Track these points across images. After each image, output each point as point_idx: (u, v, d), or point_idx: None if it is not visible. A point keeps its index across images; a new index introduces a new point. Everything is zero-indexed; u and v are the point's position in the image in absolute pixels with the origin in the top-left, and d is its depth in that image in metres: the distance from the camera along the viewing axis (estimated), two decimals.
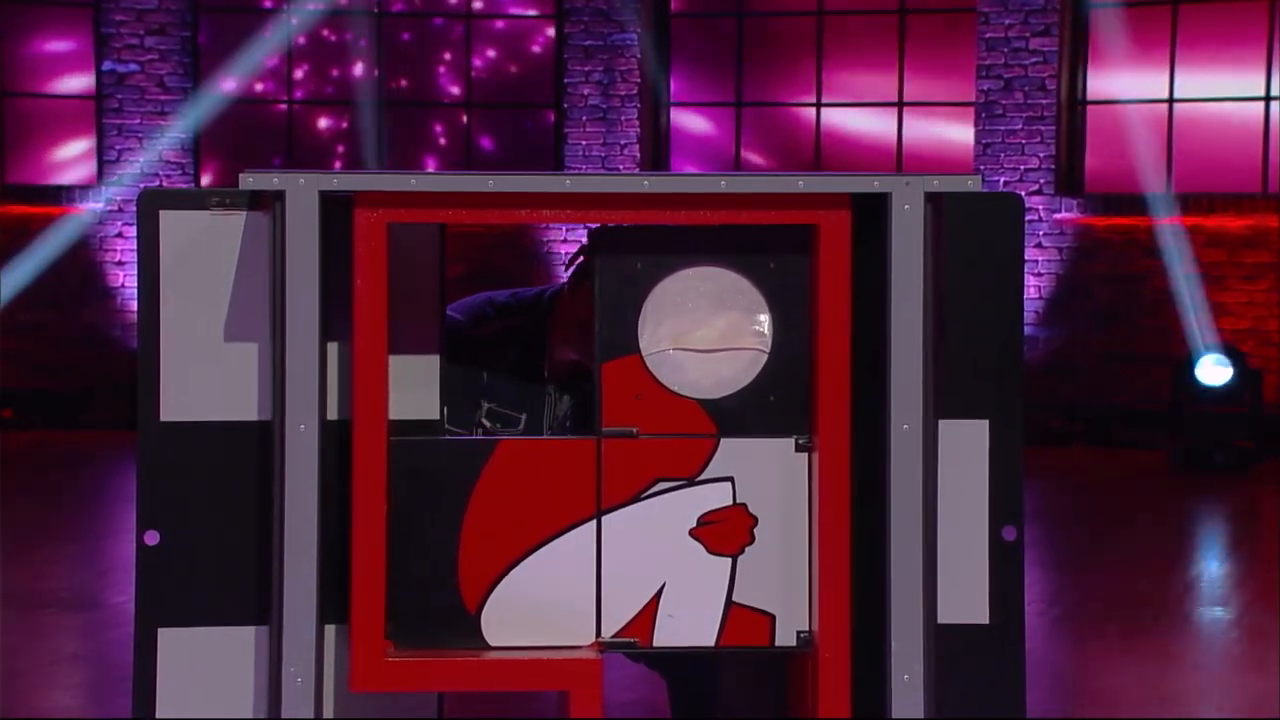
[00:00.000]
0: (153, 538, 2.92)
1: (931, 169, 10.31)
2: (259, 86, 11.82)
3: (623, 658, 3.34)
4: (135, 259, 2.96)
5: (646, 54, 11.57)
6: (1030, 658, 5.88)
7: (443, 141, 11.85)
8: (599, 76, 11.60)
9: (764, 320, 3.01)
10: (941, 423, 2.91)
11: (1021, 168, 11.10)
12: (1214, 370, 10.16)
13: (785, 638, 2.99)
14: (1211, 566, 7.65)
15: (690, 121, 11.81)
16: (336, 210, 2.90)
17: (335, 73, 11.83)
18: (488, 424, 3.41)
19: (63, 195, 11.67)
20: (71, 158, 11.79)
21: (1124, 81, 11.01)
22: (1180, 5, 10.87)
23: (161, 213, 2.92)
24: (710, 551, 2.98)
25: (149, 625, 2.92)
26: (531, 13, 11.78)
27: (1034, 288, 11.10)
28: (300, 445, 2.85)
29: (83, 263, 11.71)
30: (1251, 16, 10.88)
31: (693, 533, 2.98)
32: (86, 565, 7.16)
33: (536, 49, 11.77)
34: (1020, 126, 11.06)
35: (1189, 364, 10.27)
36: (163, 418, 2.92)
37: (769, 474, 2.98)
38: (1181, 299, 10.64)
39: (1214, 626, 6.33)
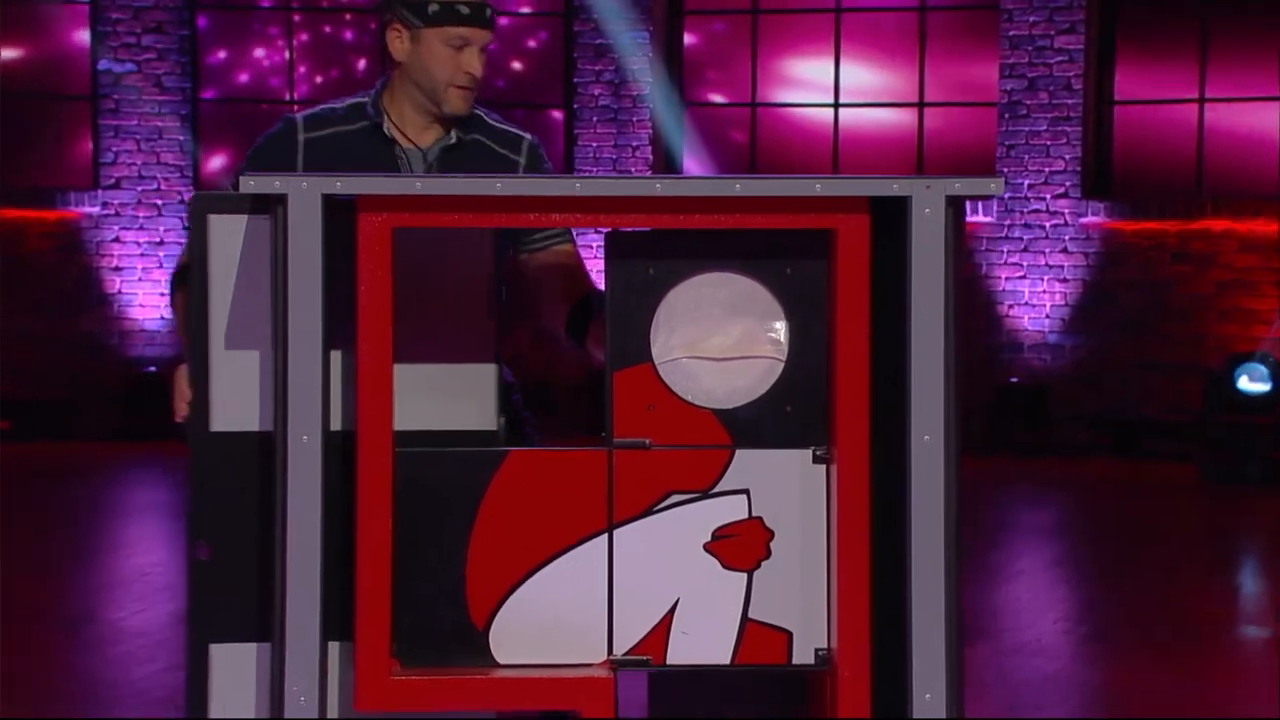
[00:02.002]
0: (204, 551, 2.96)
1: (953, 171, 10.32)
2: (259, 86, 11.85)
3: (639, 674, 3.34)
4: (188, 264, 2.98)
5: (659, 53, 11.58)
6: (1058, 675, 5.88)
7: None
8: (610, 76, 11.61)
9: (780, 327, 3.01)
10: None
11: (1046, 170, 11.09)
12: (1253, 380, 10.14)
13: (803, 655, 2.99)
14: (1246, 582, 7.64)
15: (704, 123, 11.82)
16: (340, 214, 2.91)
17: (337, 72, 11.86)
18: None
19: (57, 198, 11.71)
20: (66, 160, 11.83)
21: (1153, 81, 11.01)
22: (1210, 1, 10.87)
23: (210, 217, 2.96)
24: (725, 566, 2.99)
25: (201, 641, 2.95)
26: (540, 10, 11.79)
27: (1060, 294, 11.09)
28: (303, 457, 2.86)
29: (78, 268, 11.74)
30: None
31: (707, 547, 2.98)
32: (83, 580, 7.18)
33: (545, 48, 11.79)
34: (1045, 127, 11.06)
35: (1221, 373, 10.26)
36: (213, 428, 2.95)
37: (786, 486, 2.98)
38: None
39: (1248, 644, 6.32)
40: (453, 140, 3.47)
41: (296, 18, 11.80)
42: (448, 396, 2.97)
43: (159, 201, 11.75)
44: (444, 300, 3.02)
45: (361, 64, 11.84)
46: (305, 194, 2.85)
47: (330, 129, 3.48)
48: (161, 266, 11.74)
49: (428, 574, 2.96)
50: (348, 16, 11.86)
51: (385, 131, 3.46)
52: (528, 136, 3.58)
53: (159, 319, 11.76)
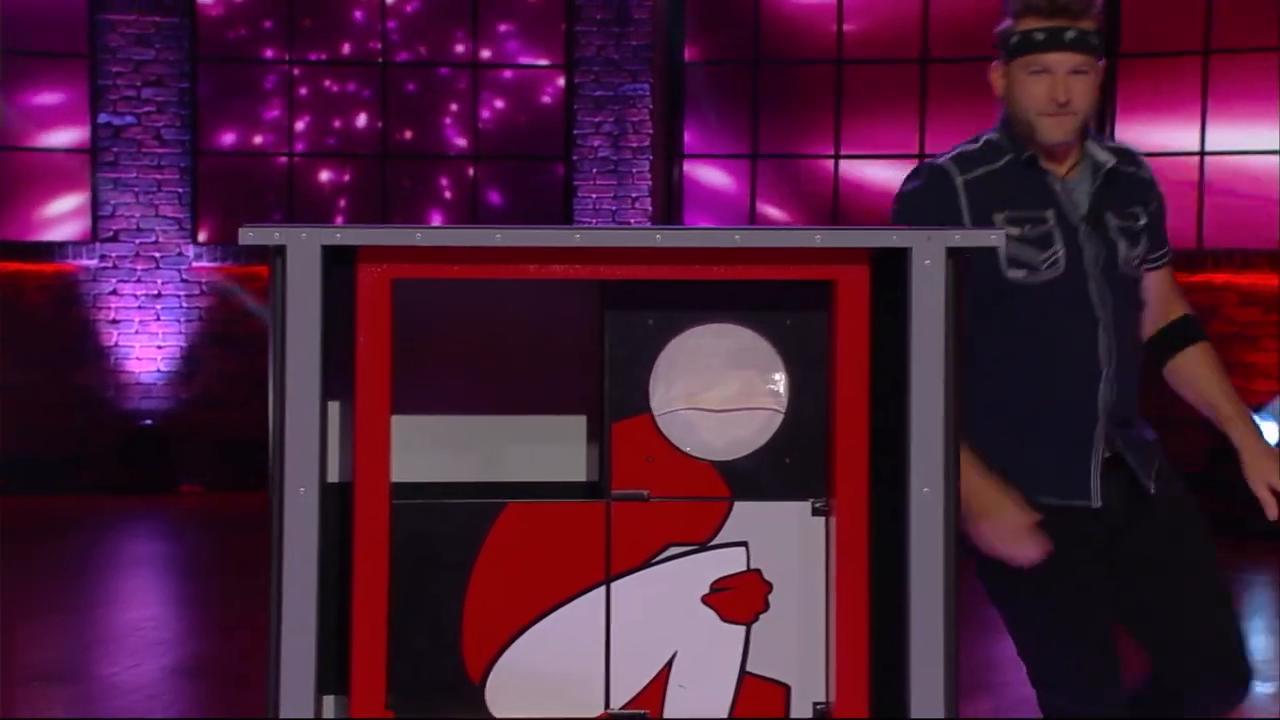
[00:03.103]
0: None
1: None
2: (259, 139, 11.89)
3: None
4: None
5: (659, 105, 11.63)
6: None
7: (449, 195, 11.91)
8: (610, 128, 11.66)
9: (780, 379, 3.02)
10: None
11: None
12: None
13: (801, 709, 2.98)
14: (1253, 640, 7.61)
15: (704, 174, 11.86)
16: (338, 266, 2.92)
17: (338, 124, 11.90)
18: (1014, 230, 3.43)
19: (55, 252, 11.74)
20: (65, 213, 11.86)
21: (1153, 133, 11.06)
22: (1211, 55, 10.93)
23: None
24: (723, 619, 2.98)
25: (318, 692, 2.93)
26: (540, 62, 11.85)
27: None
28: (300, 509, 2.86)
29: (75, 321, 11.76)
30: None
31: (705, 600, 2.98)
32: (75, 636, 7.16)
33: (545, 100, 11.84)
34: None
35: None
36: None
37: (784, 539, 2.98)
38: None
39: (1257, 702, 6.29)
40: (1110, 165, 3.49)
41: (296, 71, 11.85)
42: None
43: (157, 254, 11.78)
44: (546, 352, 3.05)
45: (361, 119, 11.88)
46: (304, 245, 2.86)
47: (980, 169, 3.51)
48: (159, 319, 11.76)
49: (424, 626, 2.96)
50: (348, 71, 11.92)
51: (1040, 164, 3.46)
52: (1141, 154, 3.62)
53: (155, 371, 11.77)
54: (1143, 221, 3.52)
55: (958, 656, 2.90)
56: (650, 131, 11.63)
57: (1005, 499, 3.37)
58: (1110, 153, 3.52)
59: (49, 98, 11.81)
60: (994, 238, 2.96)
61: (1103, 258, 3.45)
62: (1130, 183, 3.54)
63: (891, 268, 2.94)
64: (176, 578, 9.14)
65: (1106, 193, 3.48)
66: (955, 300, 2.91)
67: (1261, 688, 6.49)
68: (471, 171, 11.87)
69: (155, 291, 11.79)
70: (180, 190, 11.75)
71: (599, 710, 2.97)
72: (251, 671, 5.56)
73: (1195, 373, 3.75)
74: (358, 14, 11.86)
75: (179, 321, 11.76)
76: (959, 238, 2.92)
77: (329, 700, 2.94)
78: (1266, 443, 3.64)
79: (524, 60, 11.86)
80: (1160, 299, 3.70)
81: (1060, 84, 3.37)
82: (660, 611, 2.97)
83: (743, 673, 2.98)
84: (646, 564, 2.97)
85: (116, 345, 11.75)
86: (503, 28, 11.84)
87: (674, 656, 2.98)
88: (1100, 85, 3.44)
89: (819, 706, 2.98)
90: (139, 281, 11.78)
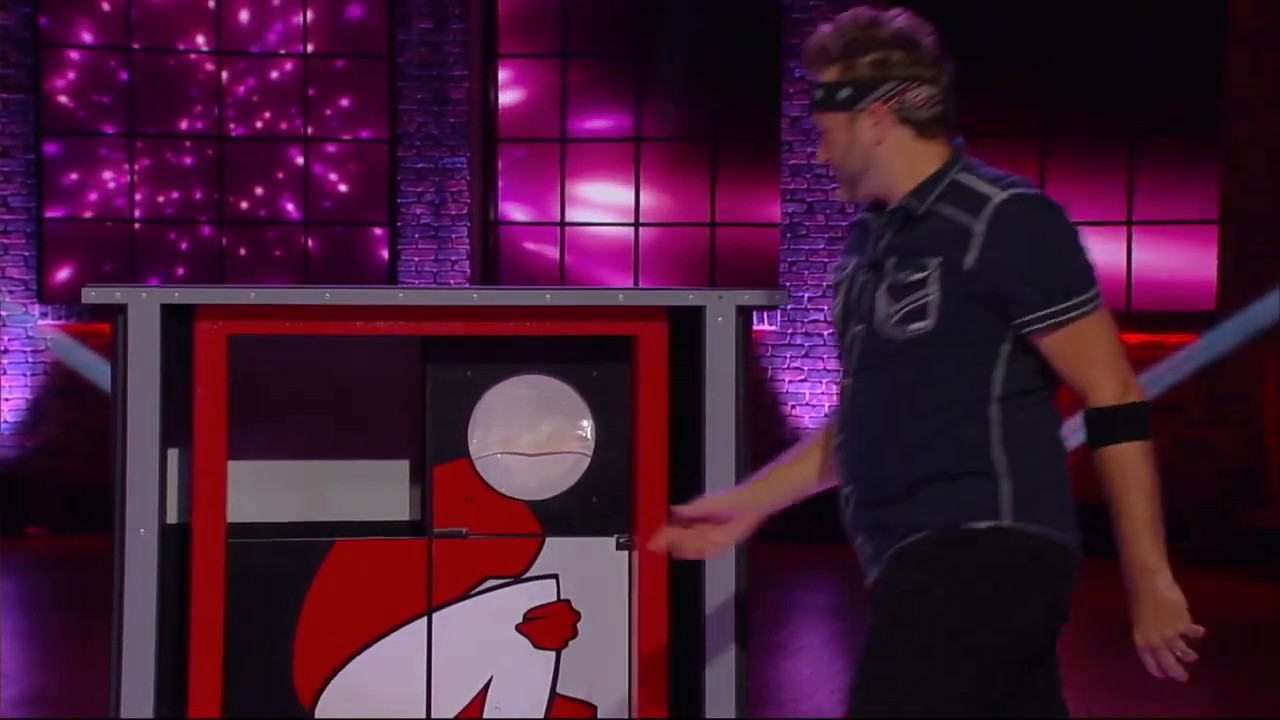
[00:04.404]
0: None
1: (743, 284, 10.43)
2: (100, 208, 11.65)
3: None
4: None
5: (475, 177, 11.64)
6: None
7: (282, 259, 11.77)
8: (431, 197, 11.64)
9: (587, 425, 3.03)
10: None
11: (824, 284, 11.32)
12: None
13: None
14: None
15: (519, 240, 11.89)
16: (177, 322, 2.87)
17: (176, 195, 11.71)
18: (830, 279, 2.84)
19: None
20: None
21: None
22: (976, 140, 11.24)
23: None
24: (535, 646, 2.98)
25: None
26: (367, 137, 11.80)
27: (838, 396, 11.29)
28: (140, 549, 2.79)
29: None
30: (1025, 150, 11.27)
31: (519, 628, 2.98)
32: None
33: (371, 171, 11.78)
34: (822, 246, 11.30)
35: None
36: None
37: (591, 571, 2.99)
38: None
39: None
40: (893, 209, 2.66)
41: (138, 144, 11.65)
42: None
43: (3, 313, 11.46)
44: (372, 401, 3.03)
45: (199, 189, 11.70)
46: (145, 303, 2.81)
47: (859, 217, 2.77)
48: (5, 374, 11.43)
49: (258, 656, 2.90)
50: (187, 144, 11.75)
51: (861, 212, 2.74)
52: (999, 196, 2.59)
53: (2, 422, 11.44)
54: (925, 274, 2.57)
55: (748, 671, 2.93)
56: (468, 201, 11.62)
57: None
58: (955, 197, 2.62)
59: None
60: (778, 298, 3.01)
61: (864, 313, 2.67)
62: (942, 228, 2.60)
63: (687, 324, 2.97)
64: (21, 614, 8.85)
65: (901, 238, 2.64)
66: (745, 353, 2.95)
67: None
68: (303, 238, 11.75)
69: (2, 348, 11.47)
70: (26, 254, 11.46)
71: None
72: (94, 701, 5.40)
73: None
74: (195, 91, 11.70)
75: (25, 375, 11.45)
76: (748, 297, 2.97)
77: None
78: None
79: (350, 135, 11.79)
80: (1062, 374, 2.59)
81: (821, 146, 2.68)
82: (478, 639, 2.96)
83: (553, 694, 2.98)
84: (465, 596, 2.96)
85: None
86: (335, 105, 11.77)
87: (490, 680, 2.97)
88: (861, 136, 2.64)
89: None
90: None
